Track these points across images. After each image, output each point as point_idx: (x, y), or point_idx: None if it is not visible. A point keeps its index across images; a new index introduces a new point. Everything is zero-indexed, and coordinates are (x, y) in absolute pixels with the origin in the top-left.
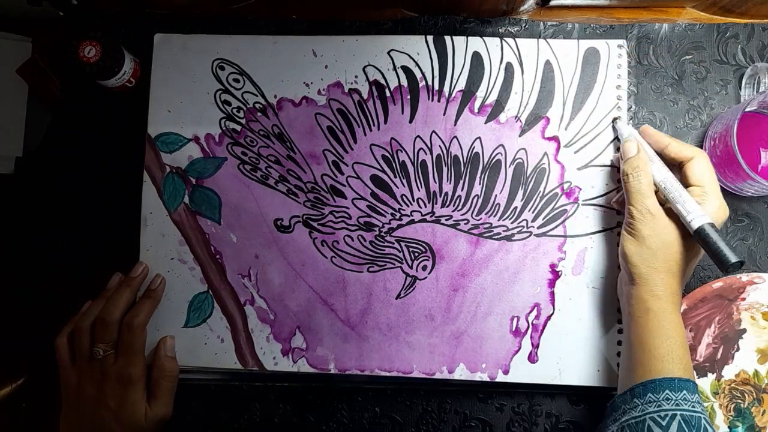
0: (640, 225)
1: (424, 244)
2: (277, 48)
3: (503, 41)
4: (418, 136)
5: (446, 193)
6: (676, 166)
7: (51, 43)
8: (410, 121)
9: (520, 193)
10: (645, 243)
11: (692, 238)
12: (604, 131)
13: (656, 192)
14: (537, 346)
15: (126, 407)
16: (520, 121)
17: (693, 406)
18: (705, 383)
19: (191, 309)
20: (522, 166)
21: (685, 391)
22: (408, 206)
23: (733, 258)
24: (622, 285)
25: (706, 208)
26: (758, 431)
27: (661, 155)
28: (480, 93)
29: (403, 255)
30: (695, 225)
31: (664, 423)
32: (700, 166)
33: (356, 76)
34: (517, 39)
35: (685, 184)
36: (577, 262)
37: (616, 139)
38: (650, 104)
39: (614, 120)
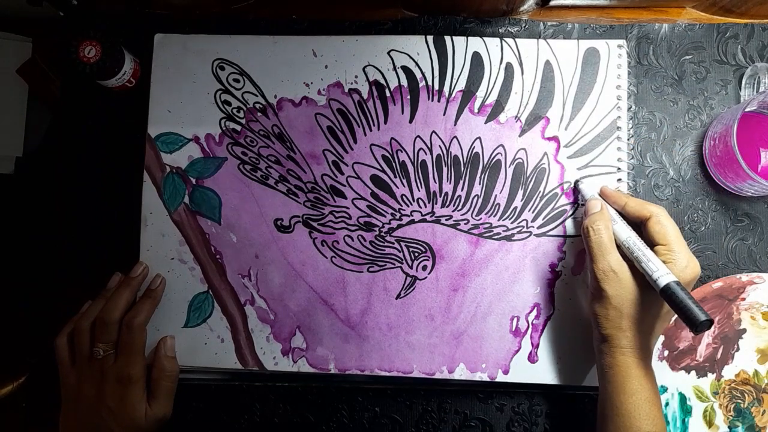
0: (604, 285)
1: (424, 244)
2: (277, 48)
3: (503, 41)
4: (418, 136)
5: (446, 193)
6: (639, 224)
7: (51, 43)
8: (410, 121)
9: (520, 193)
10: (611, 303)
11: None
12: (604, 131)
13: (621, 251)
14: (537, 346)
15: (125, 407)
16: (520, 121)
17: None
18: (705, 383)
19: (191, 309)
20: (522, 166)
21: None
22: (408, 206)
23: (701, 316)
24: (594, 343)
25: (673, 266)
26: (758, 431)
27: (622, 214)
28: (480, 93)
29: (403, 255)
30: (661, 283)
31: None
32: (660, 223)
33: (356, 76)
34: (517, 39)
35: (651, 242)
36: (577, 262)
37: (578, 201)
38: (650, 104)
39: (577, 181)
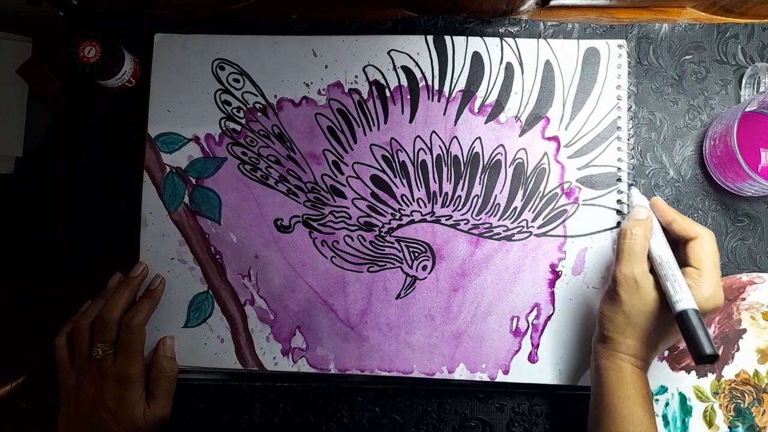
0: (620, 289)
1: (424, 244)
2: (277, 48)
3: (503, 41)
4: (418, 136)
5: (446, 193)
6: (681, 243)
7: (51, 43)
8: (410, 121)
9: (520, 193)
10: (621, 308)
11: (674, 319)
12: (604, 131)
13: (650, 264)
14: (537, 346)
15: (124, 407)
16: (520, 121)
17: None
18: (705, 383)
19: (191, 309)
20: (522, 166)
21: None
22: (408, 206)
23: (708, 349)
24: (593, 340)
25: (697, 291)
26: (758, 431)
27: (666, 230)
28: (480, 93)
29: (403, 255)
30: (679, 308)
31: None
32: (704, 246)
33: (356, 76)
34: (517, 39)
35: (685, 262)
36: (577, 262)
37: (624, 205)
38: (650, 104)
39: (631, 185)
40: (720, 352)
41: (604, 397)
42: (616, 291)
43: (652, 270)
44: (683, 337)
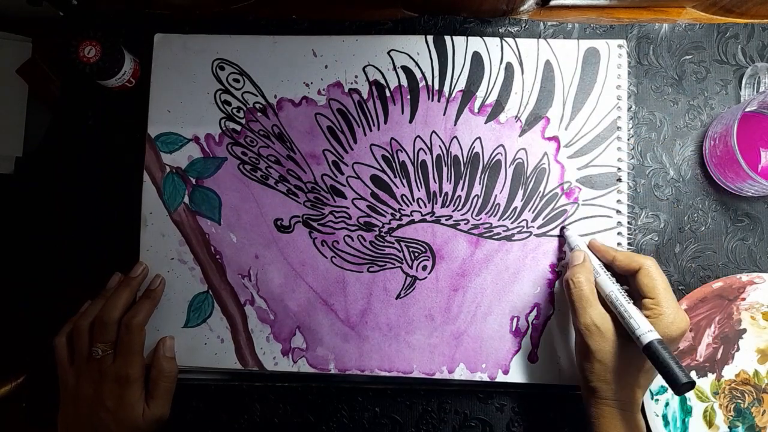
0: (588, 341)
1: (424, 244)
2: (277, 48)
3: (503, 41)
4: (418, 136)
5: (446, 193)
6: (629, 277)
7: (51, 43)
8: (410, 121)
9: (520, 193)
10: (596, 358)
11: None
12: (604, 131)
13: (605, 304)
14: (537, 346)
15: (124, 407)
16: (520, 121)
17: None
18: (705, 383)
19: (191, 309)
20: (522, 166)
21: None
22: (408, 206)
23: (683, 378)
24: (581, 391)
25: (658, 321)
26: (758, 431)
27: (611, 268)
28: (480, 93)
29: (403, 255)
30: (644, 341)
31: None
32: (650, 275)
33: (356, 76)
34: (517, 39)
35: (639, 295)
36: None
37: (564, 249)
38: (650, 104)
39: (563, 228)
40: (720, 352)
41: None
42: (585, 343)
43: (608, 309)
44: (657, 370)
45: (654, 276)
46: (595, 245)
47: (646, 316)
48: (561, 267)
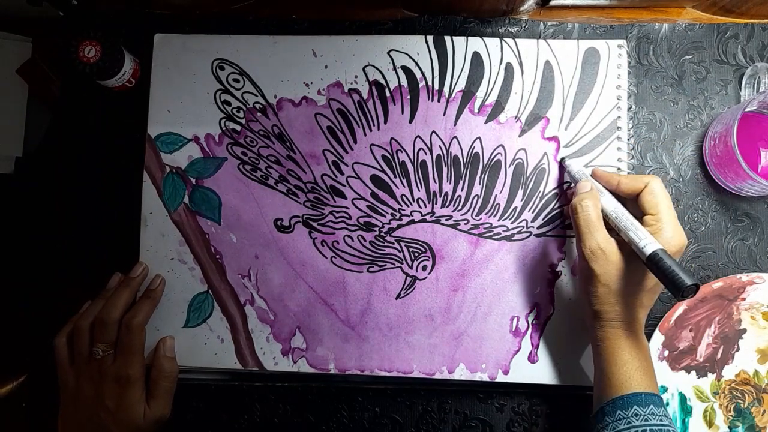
0: (593, 264)
1: (424, 244)
2: (277, 48)
3: (503, 41)
4: (418, 136)
5: (446, 193)
6: (633, 200)
7: (51, 43)
8: (410, 121)
9: (520, 193)
10: (599, 281)
11: (645, 266)
12: (604, 131)
13: (607, 225)
14: (537, 346)
15: (124, 407)
16: (520, 122)
17: (661, 420)
18: (705, 383)
19: (191, 309)
20: (522, 167)
21: (652, 405)
22: (408, 206)
23: (688, 280)
24: (586, 319)
25: (658, 235)
26: (758, 431)
27: (616, 194)
28: (480, 93)
29: (403, 255)
30: (647, 251)
31: None
32: (653, 192)
33: (356, 76)
34: (516, 39)
35: (641, 213)
36: (576, 263)
37: (567, 181)
38: (650, 104)
39: (563, 159)
40: (720, 352)
41: (604, 368)
42: (589, 267)
43: (611, 231)
44: (659, 279)
45: (657, 193)
46: (598, 173)
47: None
48: (561, 267)
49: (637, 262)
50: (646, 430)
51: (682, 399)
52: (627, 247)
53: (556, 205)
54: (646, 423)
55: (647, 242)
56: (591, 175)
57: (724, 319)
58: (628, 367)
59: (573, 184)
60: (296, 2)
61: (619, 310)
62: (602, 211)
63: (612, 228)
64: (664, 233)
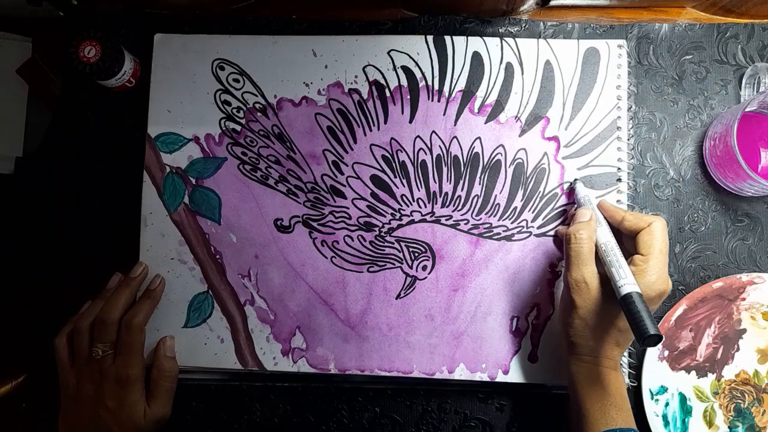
0: (574, 295)
1: (424, 244)
2: (277, 48)
3: (503, 41)
4: (418, 136)
5: (446, 193)
6: (632, 237)
7: (51, 43)
8: (410, 121)
9: (520, 193)
10: (578, 313)
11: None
12: (604, 131)
13: (597, 258)
14: (537, 346)
15: (124, 407)
16: (520, 121)
17: None
18: (705, 383)
19: (191, 309)
20: (522, 166)
21: None
22: (408, 206)
23: (651, 329)
24: (564, 349)
25: (641, 277)
26: (758, 431)
27: (618, 229)
28: (480, 93)
29: (403, 255)
30: (623, 291)
31: None
32: (653, 233)
33: (356, 76)
34: (517, 39)
35: (634, 252)
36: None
37: (573, 201)
38: (650, 104)
39: (575, 181)
40: (720, 352)
41: (579, 403)
42: (570, 297)
43: (599, 264)
44: (627, 320)
45: (656, 236)
46: (604, 206)
47: (632, 272)
48: (561, 266)
49: (615, 300)
50: None
51: (682, 399)
52: (609, 283)
53: (557, 205)
54: None
55: (625, 282)
56: (598, 206)
57: (724, 319)
58: (602, 403)
59: (575, 207)
60: (296, 2)
61: (593, 346)
62: (595, 242)
63: (599, 260)
64: (647, 276)
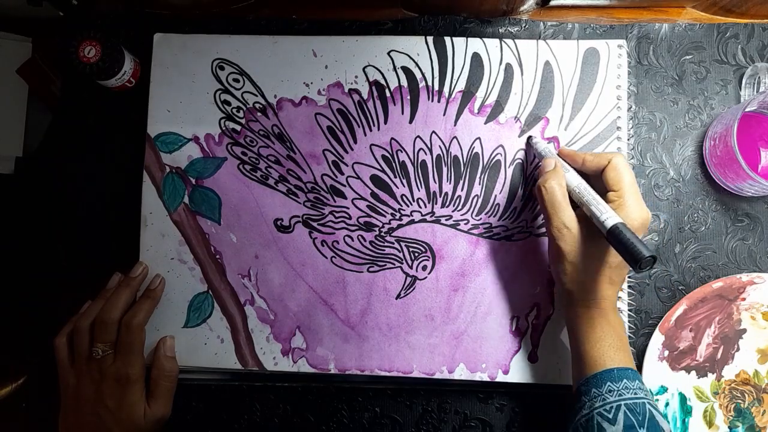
0: (560, 243)
1: (424, 244)
2: (277, 48)
3: (503, 42)
4: (418, 137)
5: (446, 194)
6: (599, 177)
7: (51, 43)
8: (410, 122)
9: (520, 193)
10: (567, 259)
11: (606, 240)
12: (604, 131)
13: (573, 203)
14: (537, 346)
15: (124, 407)
16: (520, 122)
17: (635, 393)
18: (705, 383)
19: (191, 309)
20: (522, 167)
21: (625, 380)
22: (408, 206)
23: (645, 251)
24: (561, 301)
25: (620, 210)
26: (758, 431)
27: (583, 172)
28: (480, 93)
29: (403, 255)
30: (608, 225)
31: (610, 416)
32: (616, 169)
33: (356, 76)
34: (516, 40)
35: (605, 190)
36: None
37: (527, 159)
38: (650, 104)
39: (530, 138)
40: (720, 352)
41: (577, 347)
42: (557, 245)
43: (576, 208)
44: (619, 252)
45: (621, 170)
46: (564, 151)
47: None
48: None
49: (600, 239)
50: (620, 406)
51: (682, 399)
52: (591, 224)
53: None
54: (620, 398)
55: (608, 216)
56: (558, 153)
57: (724, 319)
58: (601, 344)
59: (534, 159)
60: (296, 2)
61: (587, 288)
62: (567, 187)
63: (577, 205)
64: (626, 208)
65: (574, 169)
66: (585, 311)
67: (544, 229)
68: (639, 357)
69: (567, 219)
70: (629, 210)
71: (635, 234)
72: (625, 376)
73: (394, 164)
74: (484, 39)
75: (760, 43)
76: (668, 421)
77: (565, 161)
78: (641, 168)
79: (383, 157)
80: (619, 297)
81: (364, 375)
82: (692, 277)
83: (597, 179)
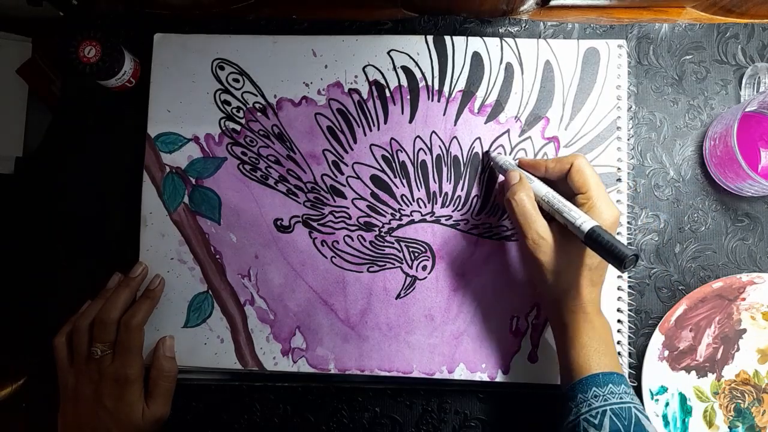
0: (538, 254)
1: (424, 244)
2: (277, 48)
3: (503, 41)
4: (418, 136)
5: (446, 193)
6: (564, 181)
7: (51, 43)
8: (410, 121)
9: None
10: (547, 269)
11: (584, 244)
12: (604, 131)
13: (543, 212)
14: (537, 346)
15: (123, 407)
16: (520, 121)
17: (621, 398)
18: (705, 383)
19: (191, 309)
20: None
21: (610, 384)
22: (408, 206)
23: (628, 251)
24: (546, 312)
25: (592, 212)
26: (758, 431)
27: (547, 179)
28: (480, 93)
29: (403, 255)
30: (584, 229)
31: (596, 421)
32: (580, 171)
33: (356, 76)
34: (517, 39)
35: (571, 193)
36: None
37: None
38: (650, 104)
39: (486, 152)
40: (720, 352)
41: (564, 353)
42: (534, 257)
43: (546, 216)
44: (600, 255)
45: (585, 171)
46: (524, 161)
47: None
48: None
49: (576, 243)
50: (606, 411)
51: (682, 399)
52: (564, 229)
53: None
54: (606, 403)
55: (583, 221)
56: (519, 165)
57: (724, 319)
58: (587, 350)
59: (501, 176)
60: (296, 2)
61: (571, 294)
62: (535, 197)
63: (547, 214)
64: (596, 209)
65: (539, 178)
66: (570, 317)
67: None
68: (639, 357)
69: (541, 229)
70: (600, 210)
71: (612, 235)
72: (610, 381)
73: (394, 164)
74: (485, 38)
75: (760, 43)
76: (668, 422)
77: (527, 171)
78: (641, 168)
79: (383, 157)
80: (619, 297)
81: (364, 375)
82: (692, 277)
83: (562, 184)
